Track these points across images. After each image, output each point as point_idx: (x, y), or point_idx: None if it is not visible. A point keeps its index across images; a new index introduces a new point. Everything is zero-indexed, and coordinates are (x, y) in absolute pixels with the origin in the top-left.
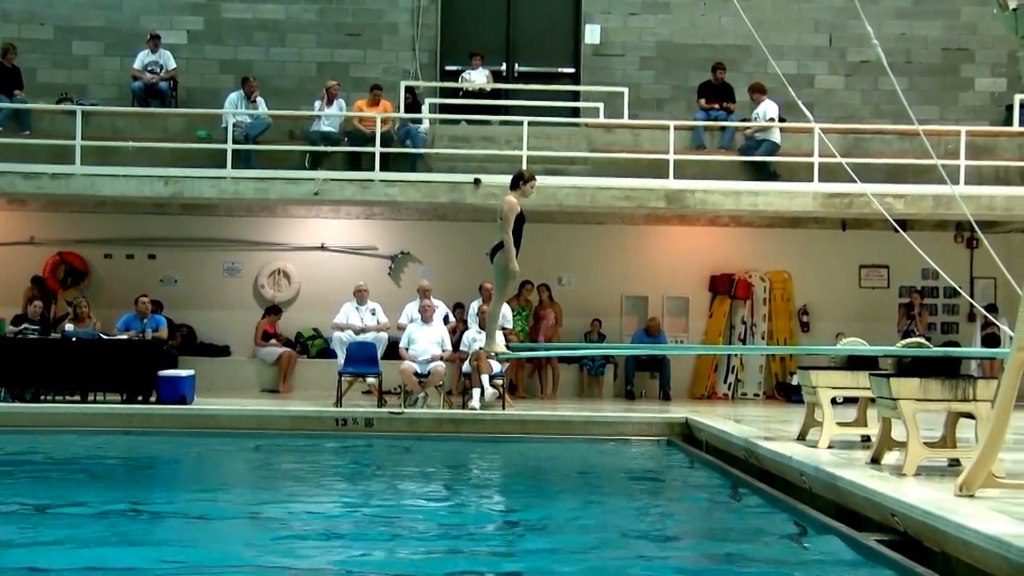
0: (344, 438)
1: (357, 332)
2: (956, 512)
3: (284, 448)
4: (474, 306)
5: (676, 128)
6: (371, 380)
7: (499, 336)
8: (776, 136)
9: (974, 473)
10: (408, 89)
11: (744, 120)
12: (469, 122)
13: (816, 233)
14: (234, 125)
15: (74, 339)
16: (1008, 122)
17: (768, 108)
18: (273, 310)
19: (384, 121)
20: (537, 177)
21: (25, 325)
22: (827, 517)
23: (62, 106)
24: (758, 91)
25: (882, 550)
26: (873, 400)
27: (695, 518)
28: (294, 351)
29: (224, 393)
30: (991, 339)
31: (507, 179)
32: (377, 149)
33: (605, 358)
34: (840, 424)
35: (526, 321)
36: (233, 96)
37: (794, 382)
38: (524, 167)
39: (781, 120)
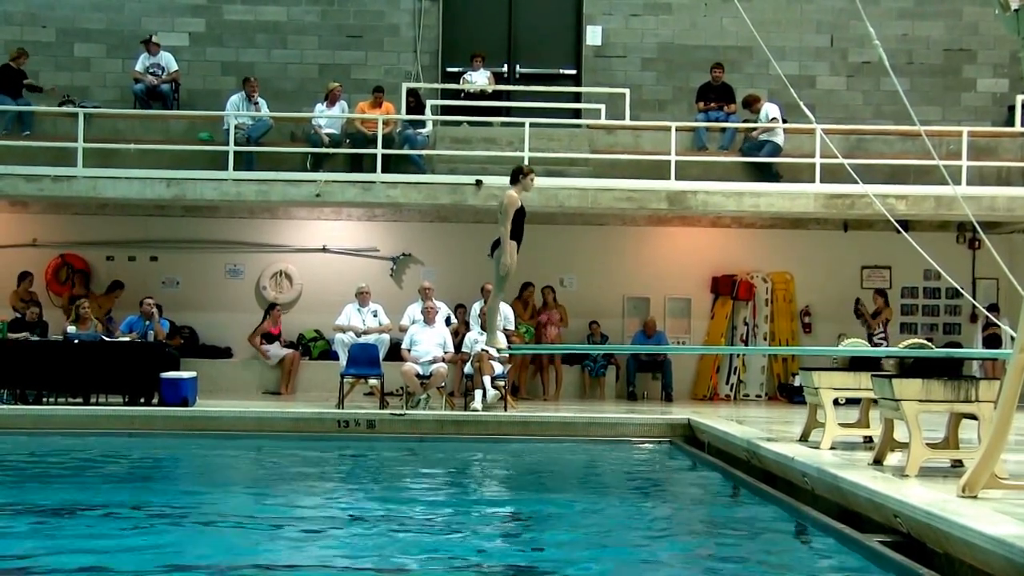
0: (346, 440)
1: (359, 334)
2: (959, 513)
3: (286, 450)
4: (476, 307)
5: (677, 129)
6: (373, 382)
7: (499, 335)
8: (780, 138)
9: (977, 474)
10: (411, 92)
11: (747, 122)
12: (470, 123)
13: (818, 234)
14: (236, 127)
15: (76, 341)
16: (1010, 123)
17: (770, 110)
18: (270, 308)
19: (386, 123)
20: (538, 177)
21: (26, 333)
22: (829, 518)
23: (64, 108)
24: (754, 101)
25: (884, 551)
26: (875, 401)
27: (697, 519)
28: (297, 353)
29: (226, 395)
30: (993, 340)
31: (508, 180)
32: (379, 151)
33: (607, 359)
34: (842, 425)
35: (531, 335)
36: (235, 98)
37: (796, 383)
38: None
39: (783, 121)
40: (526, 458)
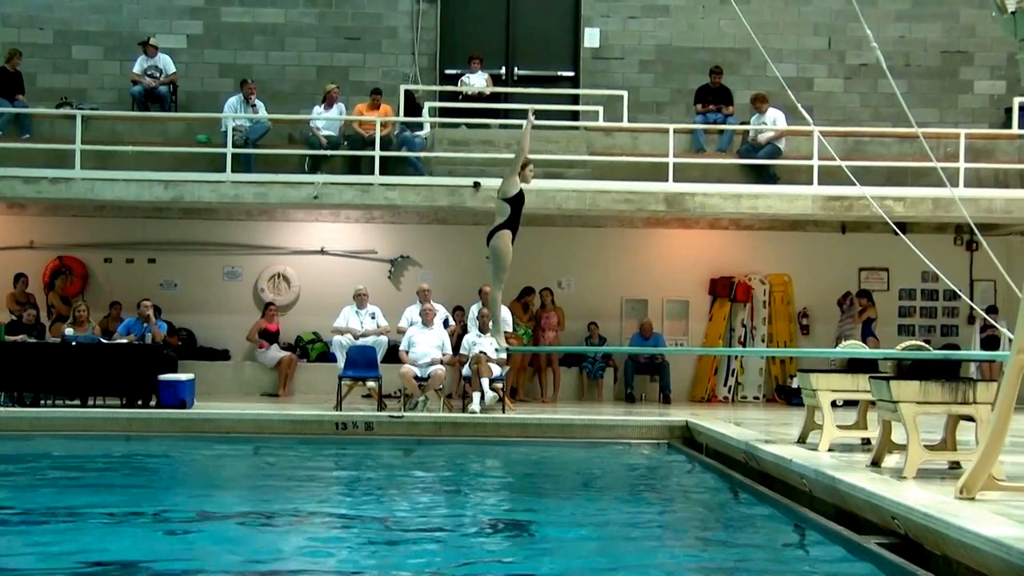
0: (344, 442)
1: (357, 336)
2: (956, 515)
3: (284, 452)
4: (474, 309)
5: (675, 131)
6: (371, 384)
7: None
8: (782, 142)
9: (974, 476)
10: (407, 94)
11: (744, 123)
12: (468, 126)
13: (816, 236)
14: (233, 129)
15: (74, 343)
16: (1007, 125)
17: (778, 116)
18: (267, 307)
19: (383, 125)
20: (536, 179)
21: (23, 335)
22: (827, 520)
23: (62, 110)
24: (763, 100)
25: (882, 553)
26: (873, 403)
27: (695, 521)
28: (294, 355)
29: (224, 397)
30: (991, 341)
31: None
32: (377, 153)
33: (605, 361)
34: (840, 427)
35: (529, 337)
36: (232, 100)
37: (794, 385)
38: None
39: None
40: (524, 460)
